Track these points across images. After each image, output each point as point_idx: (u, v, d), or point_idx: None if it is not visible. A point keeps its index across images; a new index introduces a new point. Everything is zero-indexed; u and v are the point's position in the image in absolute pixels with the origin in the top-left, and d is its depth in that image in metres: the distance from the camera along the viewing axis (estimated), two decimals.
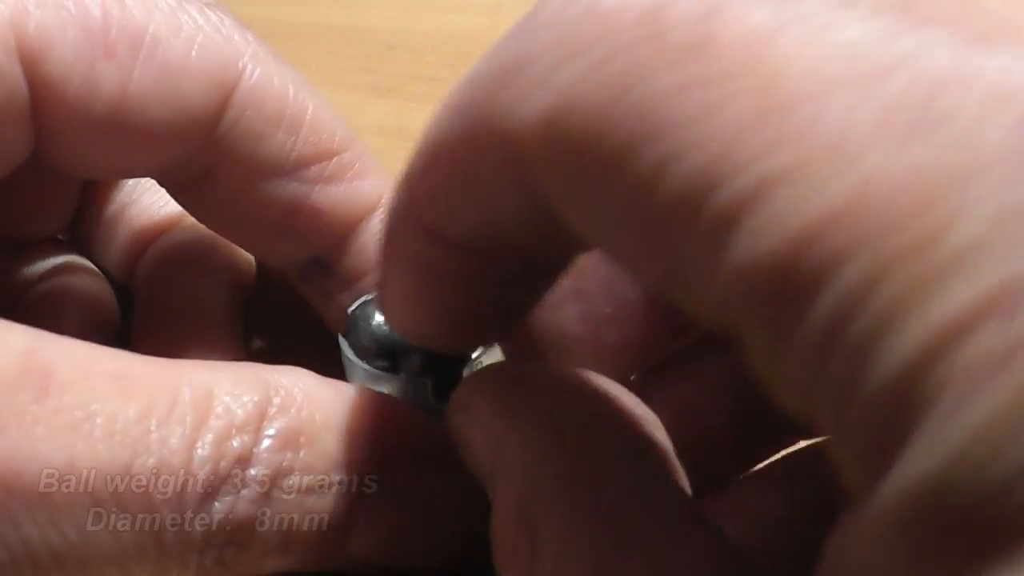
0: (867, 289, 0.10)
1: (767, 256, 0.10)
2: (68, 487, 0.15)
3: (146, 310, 0.25)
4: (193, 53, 0.21)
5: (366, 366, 0.21)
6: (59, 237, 0.27)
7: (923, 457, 0.09)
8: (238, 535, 0.17)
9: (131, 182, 0.26)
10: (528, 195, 0.13)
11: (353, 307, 0.21)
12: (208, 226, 0.24)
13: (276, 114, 0.22)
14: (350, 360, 0.21)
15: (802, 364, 0.10)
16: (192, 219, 0.25)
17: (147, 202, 0.26)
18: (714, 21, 0.11)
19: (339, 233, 0.23)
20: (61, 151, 0.21)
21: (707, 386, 0.20)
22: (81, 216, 0.26)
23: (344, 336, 0.21)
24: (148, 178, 0.26)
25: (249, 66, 0.21)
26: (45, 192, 0.25)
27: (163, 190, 0.25)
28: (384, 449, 0.19)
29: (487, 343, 0.20)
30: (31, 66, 0.19)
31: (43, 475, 0.15)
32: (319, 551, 0.19)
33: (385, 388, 0.21)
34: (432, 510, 0.19)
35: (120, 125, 0.20)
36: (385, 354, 0.21)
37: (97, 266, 0.26)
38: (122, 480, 0.16)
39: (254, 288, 0.27)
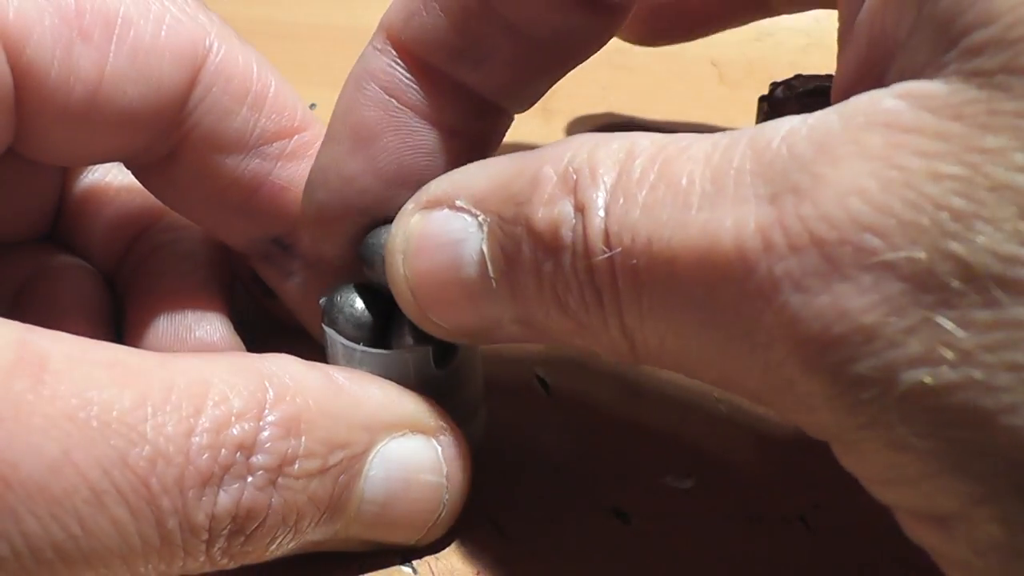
0: None
1: None
2: (66, 478, 0.15)
3: (136, 306, 0.25)
4: (163, 33, 0.21)
5: (363, 348, 0.21)
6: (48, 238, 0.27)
7: None
8: (247, 523, 0.17)
9: (106, 179, 0.26)
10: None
11: (333, 295, 0.22)
12: (172, 207, 0.25)
13: (241, 90, 0.22)
14: (344, 345, 0.21)
15: None
16: (167, 211, 0.26)
17: (126, 198, 0.26)
18: None
19: (299, 211, 0.23)
20: (40, 138, 0.21)
21: None
22: (61, 216, 0.26)
23: (329, 324, 0.21)
24: (119, 175, 0.26)
25: (216, 44, 0.22)
26: (22, 192, 0.25)
27: (134, 184, 0.25)
28: (372, 426, 0.19)
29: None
30: (13, 53, 0.20)
31: (39, 466, 0.15)
32: (319, 532, 0.19)
33: (379, 367, 0.21)
34: (423, 485, 0.20)
35: (98, 107, 0.21)
36: (376, 333, 0.21)
37: (81, 256, 0.26)
38: (120, 469, 0.16)
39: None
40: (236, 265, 0.27)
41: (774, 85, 0.29)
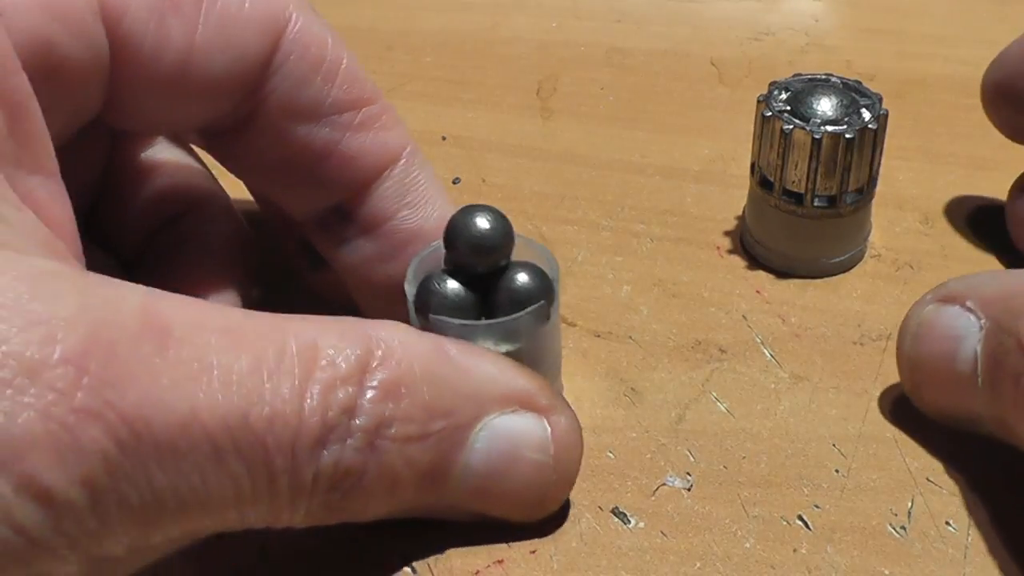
0: None
1: None
2: (192, 434, 0.16)
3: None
4: (247, 3, 0.22)
5: (486, 321, 0.22)
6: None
7: None
8: (344, 482, 0.18)
9: (145, 162, 0.27)
10: None
11: (426, 282, 0.22)
12: (240, 175, 0.25)
13: (317, 60, 0.23)
14: (464, 325, 0.21)
15: None
16: (201, 201, 0.26)
17: (161, 183, 0.26)
18: None
19: (364, 180, 0.24)
20: (130, 107, 0.22)
21: None
22: (100, 196, 0.26)
23: (436, 311, 0.22)
24: (160, 160, 0.26)
25: (295, 14, 0.23)
26: (77, 164, 0.25)
27: (174, 172, 0.26)
28: (480, 398, 0.20)
29: None
30: (112, 25, 0.20)
31: (170, 423, 0.16)
32: (419, 497, 0.20)
33: (501, 334, 0.22)
34: (527, 463, 0.20)
35: (187, 76, 0.21)
36: (476, 310, 0.22)
37: (109, 245, 0.26)
38: (240, 428, 0.17)
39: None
40: (280, 239, 0.28)
41: (773, 85, 0.29)
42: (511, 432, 0.20)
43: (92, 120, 0.22)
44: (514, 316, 0.22)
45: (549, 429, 0.20)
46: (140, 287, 0.17)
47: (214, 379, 0.17)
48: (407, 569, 0.21)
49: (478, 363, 0.20)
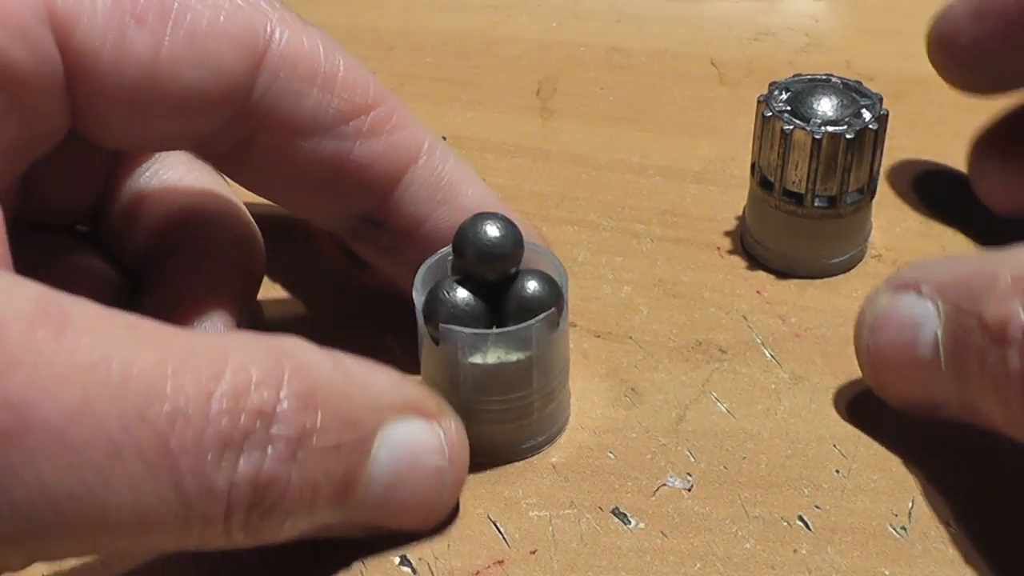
0: None
1: None
2: (84, 426, 0.15)
3: (149, 304, 0.25)
4: (221, 18, 0.21)
5: (495, 331, 0.22)
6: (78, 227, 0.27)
7: None
8: (267, 495, 0.17)
9: (150, 171, 0.26)
10: None
11: (435, 291, 0.22)
12: (256, 193, 0.25)
13: (310, 73, 0.22)
14: (476, 334, 0.22)
15: None
16: (206, 208, 0.26)
17: (166, 197, 0.26)
18: None
19: (385, 186, 0.24)
20: (98, 122, 0.21)
21: None
22: (102, 207, 0.26)
23: (445, 320, 0.22)
24: (166, 168, 0.26)
25: (278, 30, 0.22)
26: (76, 177, 0.25)
27: (180, 178, 0.25)
28: (379, 407, 0.19)
29: None
30: (63, 35, 0.20)
31: (58, 412, 0.15)
32: (329, 514, 0.19)
33: (513, 342, 0.22)
34: (426, 468, 0.20)
35: (154, 91, 0.21)
36: (487, 317, 0.22)
37: (114, 254, 0.26)
38: (138, 424, 0.16)
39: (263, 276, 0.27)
40: (323, 243, 0.27)
41: (773, 85, 0.29)
42: (409, 440, 0.20)
43: (72, 133, 0.21)
44: (526, 324, 0.22)
45: (442, 433, 0.20)
46: (40, 284, 0.17)
47: (112, 371, 0.16)
48: (407, 569, 0.21)
49: (372, 374, 0.20)
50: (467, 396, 0.22)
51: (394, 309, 0.26)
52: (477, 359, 0.22)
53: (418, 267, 0.23)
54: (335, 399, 0.18)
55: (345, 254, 0.27)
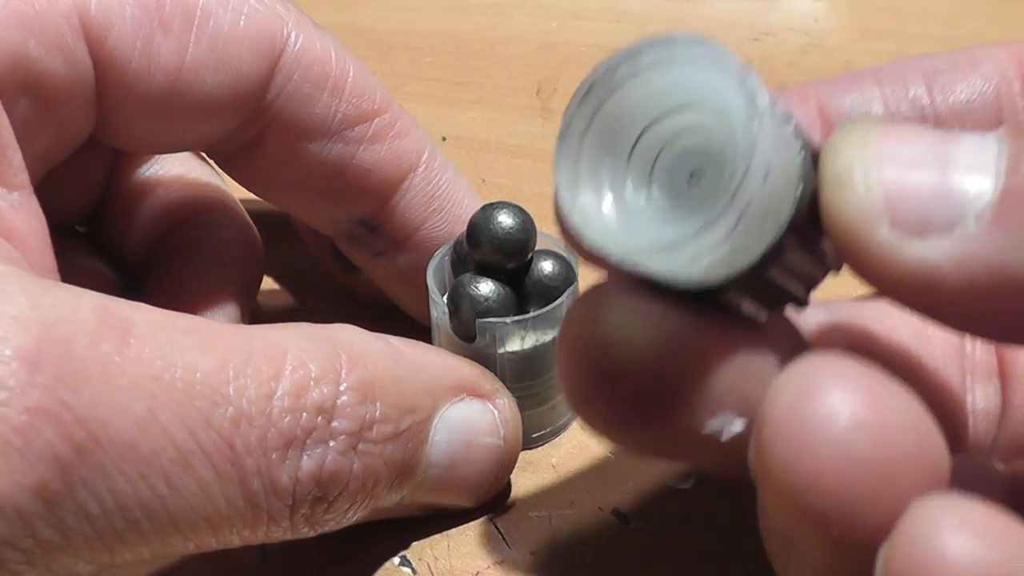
0: None
1: None
2: (152, 437, 0.15)
3: (152, 300, 0.25)
4: (241, 23, 0.22)
5: (532, 314, 0.22)
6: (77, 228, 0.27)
7: None
8: (330, 489, 0.18)
9: (149, 172, 0.27)
10: None
11: (459, 287, 0.22)
12: (258, 194, 0.25)
13: (321, 77, 0.23)
14: (515, 322, 0.22)
15: None
16: (206, 208, 0.26)
17: (164, 193, 0.26)
18: None
19: (384, 192, 0.24)
20: (123, 127, 0.22)
21: None
22: (103, 205, 0.26)
23: (481, 315, 0.22)
24: (165, 168, 0.26)
25: (293, 33, 0.22)
26: (77, 178, 0.25)
27: (179, 178, 0.26)
28: (434, 390, 0.20)
29: None
30: (95, 44, 0.20)
31: (128, 424, 0.15)
32: (390, 500, 0.19)
33: (553, 323, 0.22)
34: (482, 447, 0.21)
35: (179, 96, 0.21)
36: (512, 306, 0.23)
37: (112, 255, 0.26)
38: (204, 430, 0.16)
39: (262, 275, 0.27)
40: (313, 245, 0.28)
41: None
42: (465, 421, 0.20)
43: (88, 137, 0.22)
44: (557, 302, 0.22)
45: (496, 412, 0.21)
46: (100, 293, 0.17)
47: (176, 379, 0.16)
48: (407, 569, 0.21)
49: (425, 356, 0.20)
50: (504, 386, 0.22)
51: (393, 309, 0.26)
52: (514, 346, 0.22)
53: (411, 271, 0.23)
54: (392, 387, 0.19)
55: (335, 257, 0.27)
